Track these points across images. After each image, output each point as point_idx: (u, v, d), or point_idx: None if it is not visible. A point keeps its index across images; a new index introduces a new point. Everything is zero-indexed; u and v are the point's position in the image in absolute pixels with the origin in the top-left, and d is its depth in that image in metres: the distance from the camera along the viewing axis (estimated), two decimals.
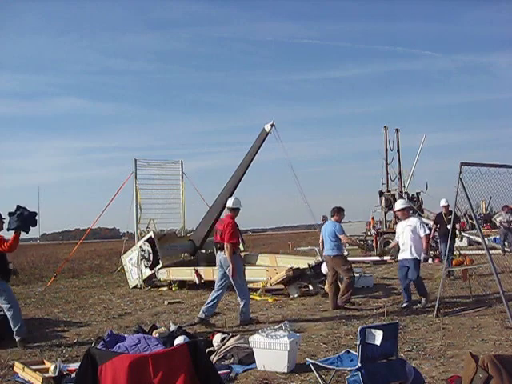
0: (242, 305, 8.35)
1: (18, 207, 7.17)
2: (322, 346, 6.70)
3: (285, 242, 38.64)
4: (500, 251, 16.96)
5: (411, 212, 10.06)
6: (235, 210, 8.62)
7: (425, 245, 9.28)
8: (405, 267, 9.29)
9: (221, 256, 8.39)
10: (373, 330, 4.43)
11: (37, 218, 7.35)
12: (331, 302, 9.43)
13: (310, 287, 11.41)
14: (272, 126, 12.93)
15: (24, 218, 7.08)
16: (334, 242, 9.46)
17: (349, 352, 5.01)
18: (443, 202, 13.51)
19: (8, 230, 7.23)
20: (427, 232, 9.31)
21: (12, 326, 7.32)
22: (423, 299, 9.26)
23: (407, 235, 9.24)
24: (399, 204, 9.87)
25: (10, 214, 7.12)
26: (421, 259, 9.36)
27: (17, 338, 7.26)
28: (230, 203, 8.66)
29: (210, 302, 8.41)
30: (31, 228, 7.32)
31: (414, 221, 9.46)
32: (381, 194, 22.90)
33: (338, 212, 9.73)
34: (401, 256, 9.45)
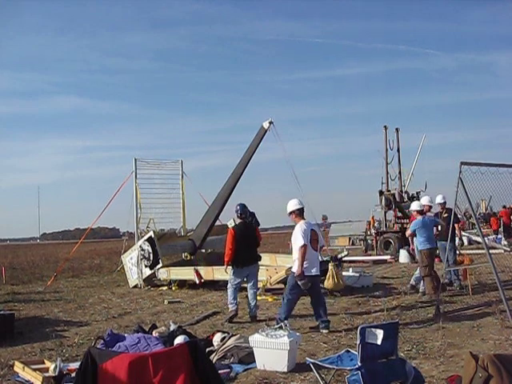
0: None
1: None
2: (322, 346, 6.71)
3: (285, 241, 38.60)
4: (501, 250, 16.95)
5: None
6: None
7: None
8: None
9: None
10: (373, 330, 4.44)
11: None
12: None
13: None
14: (270, 123, 12.89)
15: None
16: None
17: (349, 351, 5.01)
18: (439, 199, 11.33)
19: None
20: (302, 244, 7.32)
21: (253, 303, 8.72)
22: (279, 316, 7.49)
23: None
24: (291, 205, 7.83)
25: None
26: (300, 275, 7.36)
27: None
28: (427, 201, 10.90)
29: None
30: None
31: (296, 227, 7.65)
32: (381, 193, 22.86)
33: None
34: None
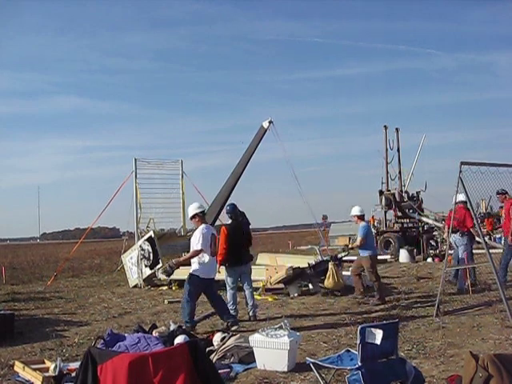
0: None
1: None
2: (322, 345, 6.70)
3: (285, 241, 38.63)
4: (501, 250, 16.91)
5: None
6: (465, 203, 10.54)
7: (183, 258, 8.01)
8: None
9: (456, 238, 10.65)
10: (373, 329, 4.43)
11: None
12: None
13: (310, 286, 11.40)
14: (270, 122, 12.88)
15: None
16: None
17: (349, 351, 5.00)
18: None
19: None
20: (199, 248, 7.63)
21: (251, 303, 8.63)
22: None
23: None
24: (192, 209, 8.04)
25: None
26: (198, 275, 7.68)
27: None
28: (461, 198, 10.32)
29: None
30: None
31: (197, 231, 7.91)
32: (381, 193, 22.86)
33: None
34: None
